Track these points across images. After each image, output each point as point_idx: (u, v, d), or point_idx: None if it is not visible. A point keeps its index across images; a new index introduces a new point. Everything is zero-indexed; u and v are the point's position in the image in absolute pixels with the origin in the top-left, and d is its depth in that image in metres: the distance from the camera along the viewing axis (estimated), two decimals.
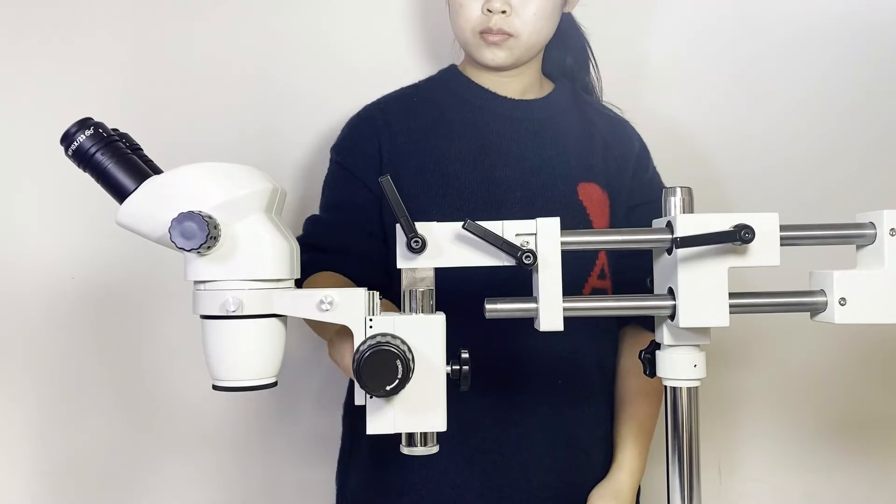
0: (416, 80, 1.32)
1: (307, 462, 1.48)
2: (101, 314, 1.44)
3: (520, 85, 1.25)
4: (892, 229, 0.77)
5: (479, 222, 0.75)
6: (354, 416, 1.25)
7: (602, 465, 1.22)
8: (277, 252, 0.76)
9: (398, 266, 0.78)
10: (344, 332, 0.97)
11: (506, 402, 1.15)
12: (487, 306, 0.79)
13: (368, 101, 1.28)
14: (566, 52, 1.31)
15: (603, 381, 1.24)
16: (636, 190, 1.27)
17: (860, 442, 1.55)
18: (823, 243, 0.81)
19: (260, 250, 0.75)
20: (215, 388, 0.77)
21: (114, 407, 1.44)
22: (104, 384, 1.44)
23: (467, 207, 1.15)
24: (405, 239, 0.76)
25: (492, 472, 1.14)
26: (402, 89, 1.30)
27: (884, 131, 1.53)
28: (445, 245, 0.77)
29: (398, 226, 0.76)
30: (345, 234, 1.19)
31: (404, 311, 0.79)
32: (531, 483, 1.15)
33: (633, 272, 1.20)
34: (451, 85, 1.27)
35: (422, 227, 0.76)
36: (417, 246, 0.75)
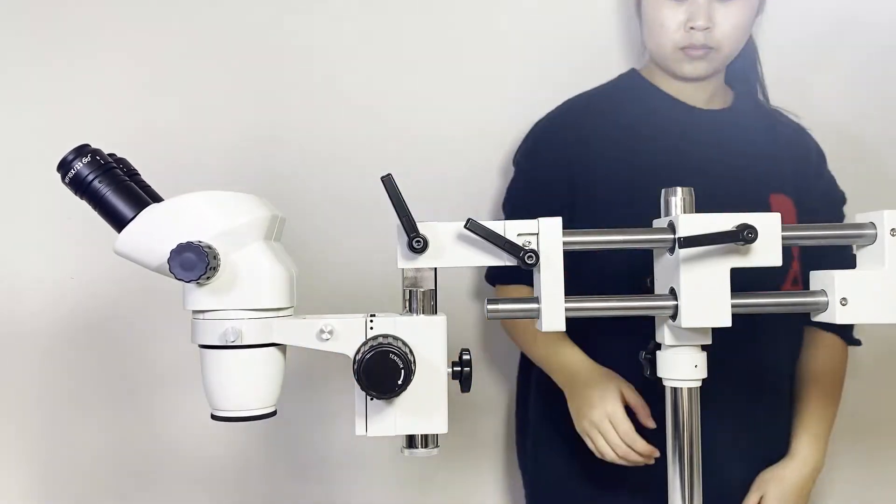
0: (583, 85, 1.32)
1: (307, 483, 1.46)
2: (96, 340, 1.42)
3: (705, 94, 1.26)
4: (892, 229, 0.77)
5: (482, 222, 0.75)
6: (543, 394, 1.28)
7: None
8: (277, 281, 0.75)
9: (398, 266, 0.78)
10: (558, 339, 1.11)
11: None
12: (488, 306, 0.78)
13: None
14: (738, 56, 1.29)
15: (792, 385, 1.28)
16: (816, 198, 1.27)
17: (860, 442, 1.55)
18: (823, 243, 0.81)
19: (259, 279, 0.74)
20: (214, 417, 0.76)
21: (111, 433, 1.43)
22: (100, 412, 1.43)
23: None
24: (406, 238, 0.75)
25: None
26: (585, 94, 1.31)
27: (884, 131, 1.54)
28: (447, 245, 0.77)
29: (398, 225, 0.76)
30: None
31: (405, 311, 0.78)
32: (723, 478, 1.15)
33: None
34: (637, 92, 1.28)
35: (424, 227, 0.76)
36: (419, 246, 0.75)
